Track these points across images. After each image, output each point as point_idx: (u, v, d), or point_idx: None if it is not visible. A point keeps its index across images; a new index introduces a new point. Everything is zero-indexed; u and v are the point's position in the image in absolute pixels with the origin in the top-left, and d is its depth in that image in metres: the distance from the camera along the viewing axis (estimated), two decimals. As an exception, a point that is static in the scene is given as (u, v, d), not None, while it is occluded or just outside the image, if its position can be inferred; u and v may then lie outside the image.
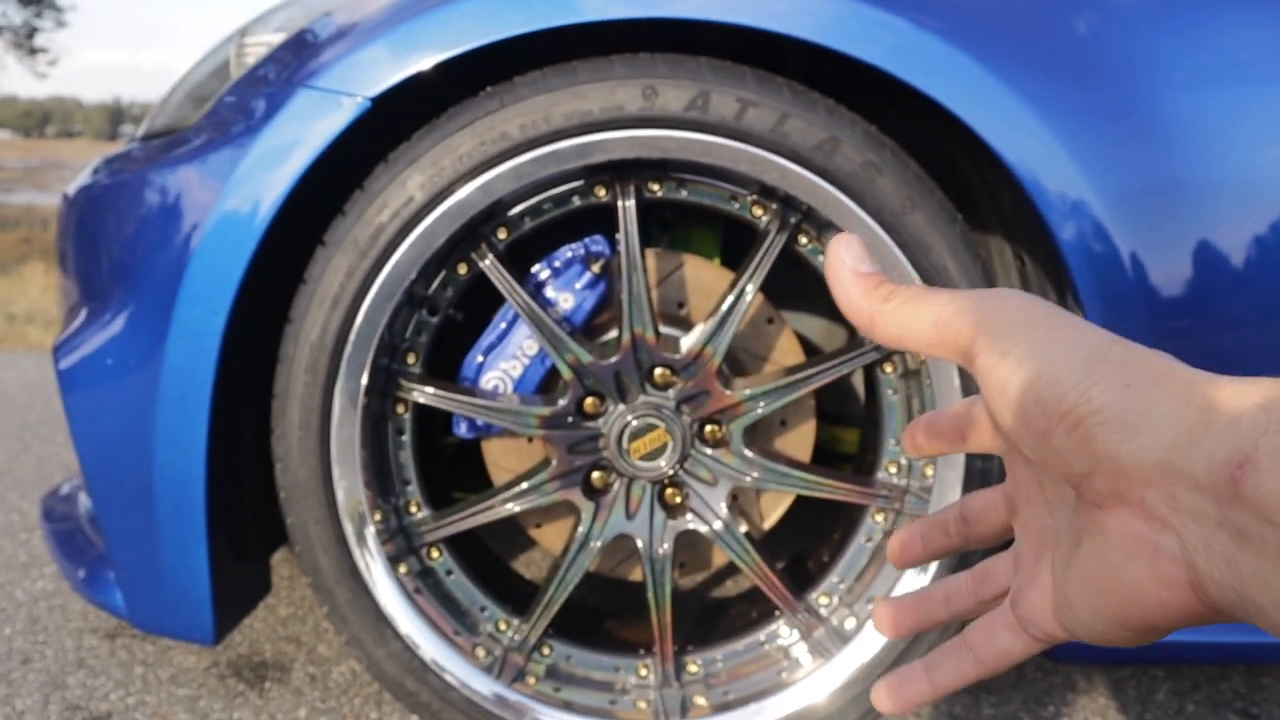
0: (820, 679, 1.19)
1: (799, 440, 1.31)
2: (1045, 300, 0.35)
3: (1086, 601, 0.34)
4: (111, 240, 1.21)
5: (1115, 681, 1.53)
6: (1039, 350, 0.32)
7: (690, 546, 1.34)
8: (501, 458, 1.30)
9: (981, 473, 1.14)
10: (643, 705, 1.22)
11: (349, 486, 1.15)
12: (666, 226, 1.45)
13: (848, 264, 0.38)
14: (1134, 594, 0.31)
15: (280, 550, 1.74)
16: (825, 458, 1.40)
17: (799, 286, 1.44)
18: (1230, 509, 0.27)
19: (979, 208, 1.32)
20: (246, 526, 1.28)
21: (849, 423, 1.65)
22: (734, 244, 1.44)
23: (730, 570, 1.84)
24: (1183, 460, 0.29)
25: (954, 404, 0.44)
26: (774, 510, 1.34)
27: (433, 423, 1.40)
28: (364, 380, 1.12)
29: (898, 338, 0.37)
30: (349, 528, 1.16)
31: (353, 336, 1.11)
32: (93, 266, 1.24)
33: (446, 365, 1.29)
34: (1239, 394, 0.29)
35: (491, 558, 1.51)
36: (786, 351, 1.29)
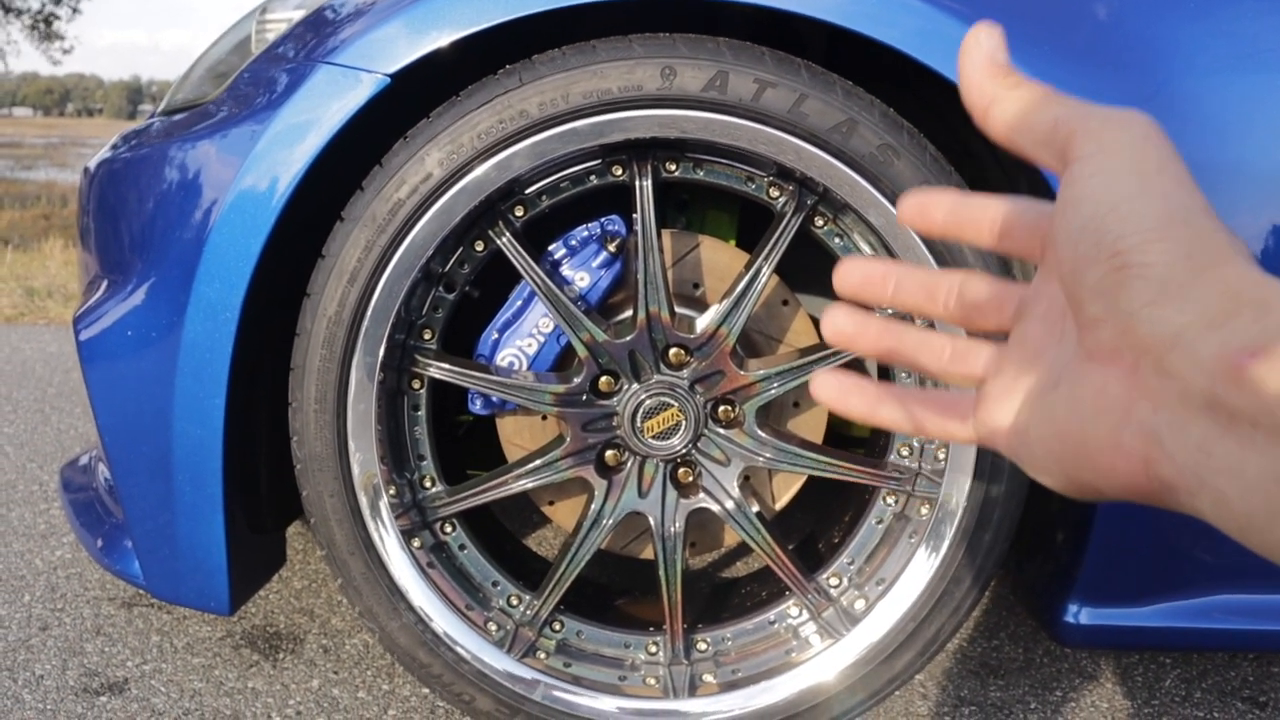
0: (829, 659, 1.20)
1: (812, 421, 1.31)
2: (1169, 143, 0.33)
3: (1043, 438, 0.34)
4: (132, 214, 1.22)
5: (1123, 668, 1.53)
6: (1131, 184, 0.31)
7: (701, 526, 1.35)
8: (515, 435, 1.31)
9: (993, 466, 1.14)
10: (651, 681, 1.23)
11: (364, 460, 1.16)
12: (683, 207, 1.46)
13: (984, 47, 0.37)
14: (1089, 450, 0.32)
15: (294, 525, 1.76)
16: (837, 439, 1.40)
17: (814, 268, 1.44)
18: (1226, 391, 0.27)
19: (995, 192, 1.31)
20: (262, 499, 1.29)
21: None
22: (750, 225, 1.44)
23: (741, 550, 1.85)
24: (1193, 338, 0.28)
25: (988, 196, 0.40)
26: (786, 491, 1.35)
27: (447, 399, 1.41)
28: (380, 355, 1.13)
29: (1012, 126, 0.36)
30: (364, 501, 1.17)
31: (370, 311, 1.11)
32: (113, 239, 1.25)
33: (462, 342, 1.30)
34: None
35: (504, 534, 1.52)
36: (800, 333, 1.30)
